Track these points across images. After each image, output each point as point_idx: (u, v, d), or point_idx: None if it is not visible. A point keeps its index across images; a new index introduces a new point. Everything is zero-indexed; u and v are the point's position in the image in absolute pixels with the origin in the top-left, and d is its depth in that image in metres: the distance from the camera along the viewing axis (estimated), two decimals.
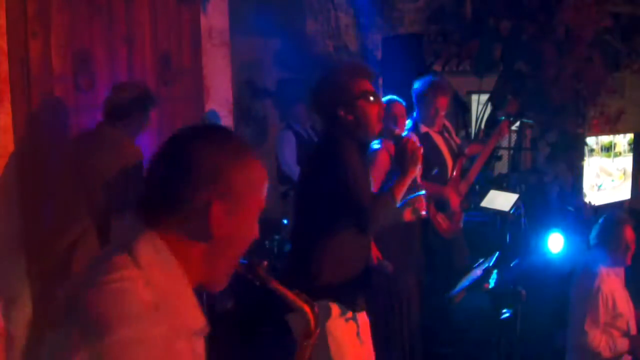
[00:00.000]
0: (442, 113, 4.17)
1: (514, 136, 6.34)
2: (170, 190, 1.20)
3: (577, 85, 5.56)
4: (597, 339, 3.43)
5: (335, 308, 2.55)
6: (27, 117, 3.37)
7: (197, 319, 1.23)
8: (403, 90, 4.23)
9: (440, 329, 4.44)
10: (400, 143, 2.66)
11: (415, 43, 5.80)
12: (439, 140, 4.23)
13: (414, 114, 4.19)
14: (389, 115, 3.72)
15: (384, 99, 3.95)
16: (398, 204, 2.65)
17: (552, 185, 5.89)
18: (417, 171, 2.71)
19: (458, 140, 4.49)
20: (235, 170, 1.23)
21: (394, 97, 3.88)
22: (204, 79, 4.41)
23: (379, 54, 5.97)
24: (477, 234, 4.83)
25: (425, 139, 4.08)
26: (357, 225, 2.53)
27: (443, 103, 4.12)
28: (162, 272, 1.17)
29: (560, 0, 5.34)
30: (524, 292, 3.49)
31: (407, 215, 3.48)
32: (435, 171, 4.07)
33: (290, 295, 1.47)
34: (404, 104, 3.88)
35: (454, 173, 4.26)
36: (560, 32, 5.31)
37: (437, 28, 5.80)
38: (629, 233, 3.54)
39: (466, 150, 4.47)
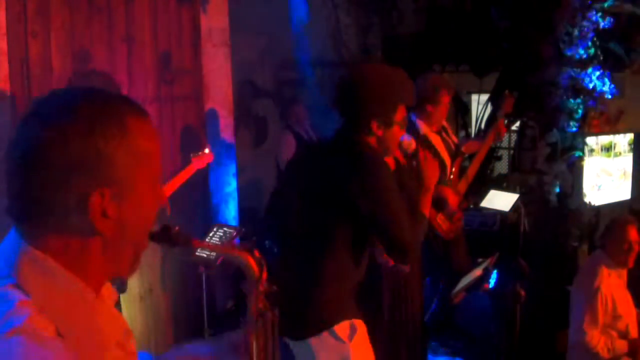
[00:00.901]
0: (446, 111, 4.15)
1: (514, 136, 6.35)
2: (33, 194, 0.99)
3: (577, 85, 5.56)
4: (596, 339, 3.42)
5: (353, 325, 2.41)
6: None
7: (113, 328, 1.08)
8: None
9: (441, 329, 4.45)
10: (416, 159, 2.66)
11: (415, 43, 5.80)
12: (437, 140, 4.22)
13: (412, 114, 4.17)
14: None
15: None
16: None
17: (552, 185, 5.88)
18: (435, 181, 2.69)
19: (456, 140, 4.46)
20: (110, 147, 1.00)
21: None
22: (204, 79, 4.41)
23: (379, 54, 5.97)
24: (477, 234, 4.83)
25: (424, 140, 4.07)
26: (395, 256, 2.52)
27: (446, 101, 4.09)
28: (54, 292, 0.99)
29: (560, 0, 5.34)
30: (523, 292, 3.50)
31: None
32: None
33: (221, 248, 1.35)
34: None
35: (453, 173, 4.25)
36: (560, 32, 5.31)
37: (437, 28, 5.80)
38: (633, 234, 3.52)
39: (463, 148, 4.41)
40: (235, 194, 4.72)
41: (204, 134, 4.43)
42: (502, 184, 5.60)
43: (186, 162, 3.77)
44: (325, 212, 2.38)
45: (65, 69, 3.53)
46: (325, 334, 2.36)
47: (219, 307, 4.58)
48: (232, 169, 4.67)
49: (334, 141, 2.52)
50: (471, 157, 4.58)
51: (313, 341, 2.37)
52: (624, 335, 3.53)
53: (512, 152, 5.94)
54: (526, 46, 5.42)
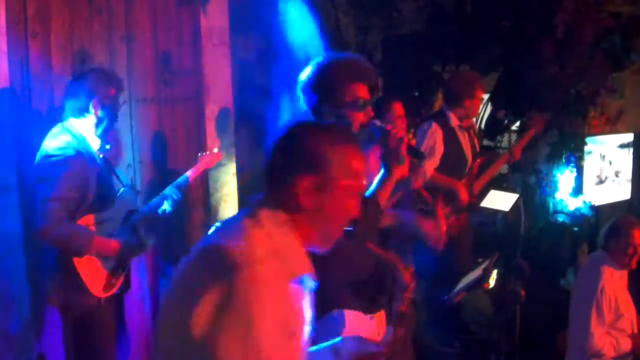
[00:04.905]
0: (478, 106, 4.28)
1: (514, 136, 6.35)
2: (276, 174, 1.56)
3: (577, 85, 5.56)
4: (603, 339, 3.42)
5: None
6: (27, 117, 3.37)
7: (304, 265, 1.53)
8: (403, 90, 4.26)
9: (441, 329, 4.45)
10: (384, 136, 2.38)
11: (415, 43, 5.80)
12: (463, 136, 4.31)
13: (445, 108, 4.31)
14: (389, 116, 3.73)
15: (385, 100, 3.97)
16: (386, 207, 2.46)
17: (552, 185, 5.88)
18: (403, 170, 2.42)
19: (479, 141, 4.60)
20: (330, 155, 1.53)
21: (394, 97, 3.89)
22: (204, 79, 4.41)
23: (379, 54, 5.97)
24: (477, 234, 4.83)
25: (451, 132, 4.18)
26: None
27: (479, 95, 4.25)
28: (278, 230, 1.50)
29: (560, 0, 5.34)
30: (523, 292, 3.50)
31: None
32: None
33: (382, 253, 1.82)
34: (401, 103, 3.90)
35: (472, 171, 4.32)
36: (560, 32, 5.31)
37: (437, 28, 5.79)
38: (638, 237, 3.52)
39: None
40: (235, 194, 4.72)
41: (204, 134, 4.43)
42: (502, 184, 5.60)
43: (191, 162, 3.76)
44: None
45: (65, 69, 3.53)
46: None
47: None
48: (232, 169, 4.67)
49: None
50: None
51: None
52: (627, 333, 3.54)
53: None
54: (526, 46, 5.42)
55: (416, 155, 2.49)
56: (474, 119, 4.50)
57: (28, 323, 3.31)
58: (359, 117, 2.38)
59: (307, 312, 1.54)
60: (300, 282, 1.50)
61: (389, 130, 2.38)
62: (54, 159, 2.99)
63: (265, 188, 1.58)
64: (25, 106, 3.39)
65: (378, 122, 2.44)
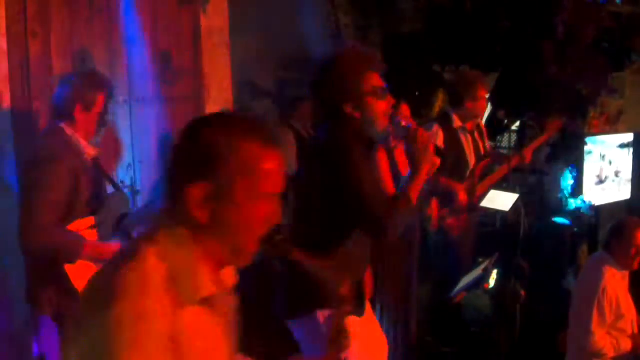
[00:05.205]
0: (482, 107, 4.24)
1: (514, 136, 6.35)
2: (171, 183, 1.32)
3: (577, 85, 5.56)
4: (603, 340, 3.42)
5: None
6: (27, 117, 3.37)
7: (206, 287, 1.30)
8: (403, 90, 4.25)
9: (442, 329, 4.45)
10: (410, 135, 2.42)
11: (415, 43, 5.80)
12: (466, 138, 4.29)
13: (449, 108, 4.29)
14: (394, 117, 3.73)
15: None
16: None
17: (552, 185, 5.88)
18: (431, 167, 2.47)
19: (488, 145, 4.57)
20: (224, 154, 1.27)
21: (400, 98, 3.89)
22: (204, 79, 4.41)
23: (378, 54, 5.97)
24: (477, 234, 4.83)
25: (454, 133, 4.17)
26: (373, 235, 2.43)
27: (482, 95, 4.21)
28: (177, 250, 1.28)
29: (560, 0, 5.34)
30: (523, 292, 3.50)
31: None
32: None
33: (315, 264, 1.55)
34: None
35: (474, 174, 4.31)
36: (560, 32, 5.31)
37: (437, 28, 5.79)
38: None
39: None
40: None
41: None
42: (502, 184, 5.60)
43: None
44: (321, 202, 2.43)
45: (65, 69, 3.52)
46: (318, 312, 2.40)
47: None
48: None
49: (319, 135, 2.59)
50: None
51: (305, 320, 2.44)
52: (627, 334, 3.54)
53: (512, 152, 5.92)
54: (526, 46, 5.42)
55: (437, 152, 2.54)
56: (480, 121, 4.45)
57: (28, 324, 3.31)
58: (382, 106, 2.44)
59: (223, 335, 1.37)
60: (207, 303, 1.31)
61: (415, 129, 2.44)
62: (41, 163, 2.88)
63: (165, 200, 1.34)
64: (25, 106, 3.39)
65: (403, 122, 2.49)
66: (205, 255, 1.30)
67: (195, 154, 1.28)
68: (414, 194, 2.42)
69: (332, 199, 2.38)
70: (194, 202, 1.26)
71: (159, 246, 1.26)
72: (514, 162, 4.53)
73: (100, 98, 3.04)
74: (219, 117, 1.37)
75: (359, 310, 2.55)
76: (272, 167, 1.30)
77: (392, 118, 2.48)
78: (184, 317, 1.23)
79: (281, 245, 1.38)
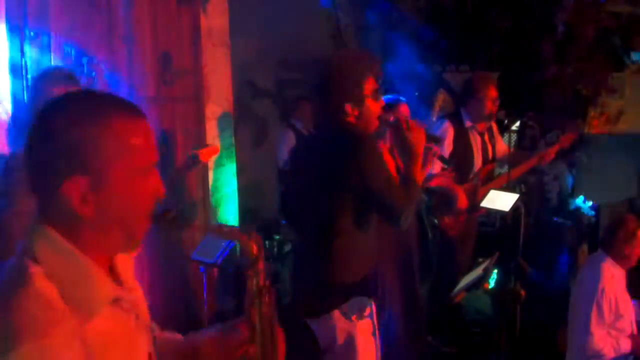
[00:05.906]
0: (493, 104, 4.23)
1: (514, 136, 6.35)
2: (36, 179, 1.19)
3: (577, 85, 5.57)
4: (603, 340, 3.42)
5: (362, 304, 2.54)
6: (27, 117, 3.37)
7: (107, 291, 1.22)
8: (403, 90, 4.25)
9: (441, 329, 4.45)
10: (399, 123, 2.56)
11: (416, 43, 5.80)
12: (475, 139, 4.28)
13: (459, 109, 4.29)
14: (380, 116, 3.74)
15: (388, 100, 3.98)
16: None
17: (552, 185, 5.89)
18: (422, 146, 2.55)
19: (507, 148, 4.57)
20: (95, 138, 1.16)
21: (400, 97, 3.89)
22: (204, 79, 4.41)
23: (378, 54, 5.97)
24: (477, 234, 4.83)
25: (464, 132, 4.16)
26: (391, 221, 2.49)
27: (491, 96, 4.20)
28: (60, 260, 1.18)
29: (560, 0, 5.35)
30: (523, 292, 3.50)
31: None
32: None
33: (219, 230, 1.48)
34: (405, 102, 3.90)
35: (479, 176, 4.30)
36: (560, 32, 5.31)
37: (437, 27, 5.80)
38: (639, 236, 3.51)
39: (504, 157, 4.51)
40: (235, 194, 4.72)
41: (204, 134, 4.43)
42: (502, 184, 5.60)
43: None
44: (326, 197, 2.50)
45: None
46: (335, 312, 2.48)
47: (219, 307, 4.57)
48: (232, 169, 4.67)
49: (322, 132, 2.68)
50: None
51: (324, 319, 2.51)
52: (627, 333, 3.54)
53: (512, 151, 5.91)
54: (526, 46, 5.42)
55: (432, 139, 2.61)
56: (493, 123, 4.43)
57: None
58: (377, 108, 2.57)
59: (137, 330, 1.30)
60: (113, 304, 1.23)
61: (397, 118, 2.59)
62: (15, 172, 2.69)
63: (38, 206, 1.21)
64: (25, 106, 3.39)
65: (391, 118, 2.63)
66: (97, 252, 1.22)
67: (58, 150, 1.15)
68: (419, 177, 2.54)
69: (338, 191, 2.47)
70: (74, 199, 1.16)
71: (44, 265, 1.16)
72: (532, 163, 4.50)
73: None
74: (68, 102, 1.22)
75: (360, 311, 2.57)
76: (141, 139, 1.22)
77: (379, 117, 2.60)
78: (94, 328, 1.17)
79: (174, 222, 1.32)
